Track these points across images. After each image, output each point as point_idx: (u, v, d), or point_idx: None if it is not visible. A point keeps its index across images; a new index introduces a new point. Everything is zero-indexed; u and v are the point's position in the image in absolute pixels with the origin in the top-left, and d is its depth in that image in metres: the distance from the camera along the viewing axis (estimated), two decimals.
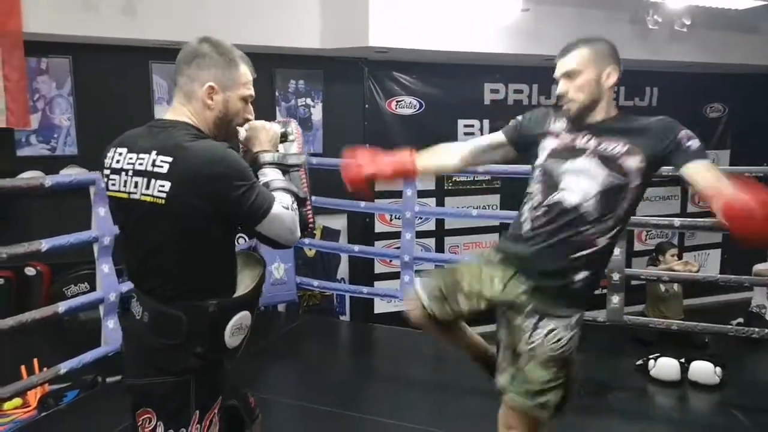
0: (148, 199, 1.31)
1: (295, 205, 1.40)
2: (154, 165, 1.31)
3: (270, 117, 4.50)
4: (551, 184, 1.68)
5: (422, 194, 3.96)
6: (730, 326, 3.67)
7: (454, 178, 5.09)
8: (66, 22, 3.47)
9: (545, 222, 1.68)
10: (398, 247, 4.19)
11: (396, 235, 4.37)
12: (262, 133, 1.48)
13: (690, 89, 5.59)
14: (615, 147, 1.62)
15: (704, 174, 1.56)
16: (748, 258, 4.83)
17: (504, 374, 1.76)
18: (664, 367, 3.37)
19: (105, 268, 3.03)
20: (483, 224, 5.08)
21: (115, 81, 3.92)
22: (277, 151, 1.50)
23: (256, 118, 1.50)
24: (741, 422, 2.94)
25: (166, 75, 4.04)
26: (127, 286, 3.26)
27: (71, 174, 3.61)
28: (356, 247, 4.37)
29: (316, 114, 4.63)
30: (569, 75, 1.65)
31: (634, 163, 1.61)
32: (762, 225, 1.41)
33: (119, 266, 3.40)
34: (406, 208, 3.94)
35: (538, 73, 5.12)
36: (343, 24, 4.10)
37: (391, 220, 4.89)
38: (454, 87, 4.89)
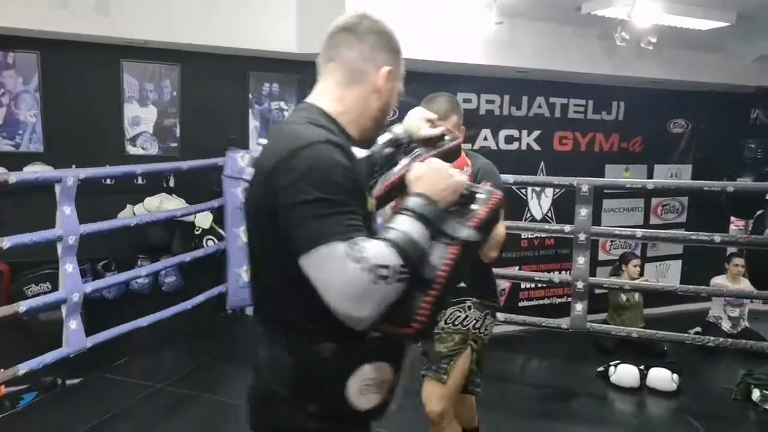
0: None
1: (390, 274, 0.93)
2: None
3: (243, 119, 4.54)
4: None
5: None
6: (687, 335, 3.78)
7: None
8: (35, 17, 3.40)
9: None
10: None
11: None
12: (438, 175, 1.09)
13: (655, 105, 5.76)
14: None
15: None
16: (707, 270, 5.00)
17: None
18: (624, 374, 3.47)
19: (69, 267, 2.96)
20: None
21: (84, 78, 3.85)
22: (446, 208, 1.07)
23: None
24: (696, 428, 3.04)
25: (136, 73, 3.96)
26: (91, 286, 3.22)
27: (36, 171, 3.53)
28: None
29: None
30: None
31: None
32: None
33: (83, 266, 3.35)
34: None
35: (510, 84, 5.23)
36: (320, 28, 4.09)
37: None
38: (427, 95, 4.93)
